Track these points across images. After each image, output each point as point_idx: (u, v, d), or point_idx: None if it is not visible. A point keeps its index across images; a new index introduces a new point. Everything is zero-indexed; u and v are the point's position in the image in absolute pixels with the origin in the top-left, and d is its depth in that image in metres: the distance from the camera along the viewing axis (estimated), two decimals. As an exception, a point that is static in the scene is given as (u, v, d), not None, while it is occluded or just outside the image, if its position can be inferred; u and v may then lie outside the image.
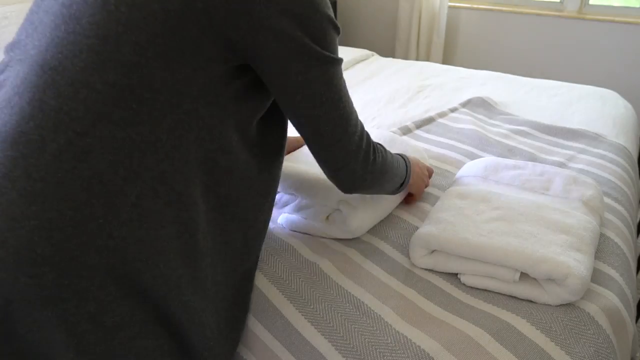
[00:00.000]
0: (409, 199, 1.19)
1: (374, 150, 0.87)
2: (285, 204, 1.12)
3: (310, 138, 0.80)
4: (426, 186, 1.19)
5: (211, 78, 0.71)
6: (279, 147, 0.88)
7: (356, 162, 0.83)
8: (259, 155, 0.84)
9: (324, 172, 0.86)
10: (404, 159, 1.03)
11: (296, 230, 1.11)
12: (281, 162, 0.91)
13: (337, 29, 0.76)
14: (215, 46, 0.69)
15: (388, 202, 1.14)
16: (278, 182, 0.91)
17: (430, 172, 1.21)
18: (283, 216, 1.13)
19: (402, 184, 1.01)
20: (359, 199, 1.05)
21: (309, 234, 1.10)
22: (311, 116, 0.77)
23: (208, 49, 0.69)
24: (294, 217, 1.11)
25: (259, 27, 0.69)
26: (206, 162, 0.75)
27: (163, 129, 0.69)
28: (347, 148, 0.80)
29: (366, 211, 1.06)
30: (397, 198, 1.16)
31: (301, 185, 1.08)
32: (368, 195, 1.07)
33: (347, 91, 0.80)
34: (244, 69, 0.75)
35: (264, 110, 0.82)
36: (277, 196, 1.12)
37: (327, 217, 1.08)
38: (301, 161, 1.19)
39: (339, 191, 1.03)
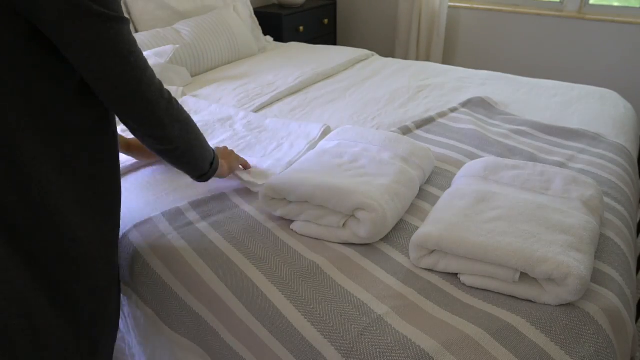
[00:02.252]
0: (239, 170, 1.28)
1: (176, 101, 0.92)
2: (300, 213, 1.11)
3: (108, 94, 0.83)
4: (242, 163, 1.29)
5: (12, 41, 0.76)
6: (102, 107, 0.91)
7: (159, 110, 0.87)
8: (86, 115, 0.88)
9: (134, 132, 0.90)
10: (212, 149, 1.10)
11: (310, 237, 1.11)
12: (113, 131, 0.95)
13: None
14: (5, 14, 0.74)
15: (403, 208, 1.14)
16: (116, 152, 0.96)
17: (242, 160, 1.29)
18: (297, 224, 1.13)
19: (212, 161, 1.08)
20: (374, 206, 1.05)
21: (323, 240, 1.10)
22: (103, 71, 0.80)
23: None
24: (309, 224, 1.11)
25: None
26: (37, 123, 0.81)
27: None
28: (147, 97, 0.85)
29: (383, 217, 1.05)
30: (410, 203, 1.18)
31: (314, 194, 1.07)
32: (384, 202, 1.07)
33: (138, 48, 0.84)
34: (39, 34, 0.78)
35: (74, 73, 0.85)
36: (290, 206, 1.13)
37: (344, 224, 1.08)
38: (312, 171, 1.19)
39: (353, 198, 1.04)
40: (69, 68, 0.83)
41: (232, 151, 1.25)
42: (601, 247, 1.07)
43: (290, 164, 1.35)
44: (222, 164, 1.16)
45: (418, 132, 1.63)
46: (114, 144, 0.95)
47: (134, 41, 0.84)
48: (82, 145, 0.88)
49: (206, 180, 1.11)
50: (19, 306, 0.84)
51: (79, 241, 0.90)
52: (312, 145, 1.46)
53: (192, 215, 1.18)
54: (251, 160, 1.37)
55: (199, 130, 1.01)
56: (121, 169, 1.37)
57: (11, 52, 0.77)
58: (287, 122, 1.59)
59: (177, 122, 0.92)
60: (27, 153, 0.81)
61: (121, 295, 1.18)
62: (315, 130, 1.52)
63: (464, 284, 0.97)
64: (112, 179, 0.95)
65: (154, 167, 1.35)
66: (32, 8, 0.74)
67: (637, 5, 2.79)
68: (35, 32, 0.78)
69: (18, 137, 0.80)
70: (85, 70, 0.81)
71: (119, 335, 1.27)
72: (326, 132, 1.53)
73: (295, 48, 2.63)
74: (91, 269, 0.93)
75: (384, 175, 1.16)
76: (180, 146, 0.95)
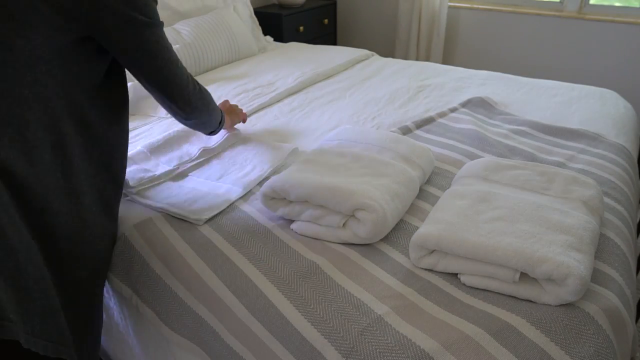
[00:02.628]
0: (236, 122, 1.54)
1: (198, 84, 1.17)
2: (300, 213, 1.11)
3: (158, 84, 1.06)
4: (242, 118, 1.56)
5: (60, 46, 0.92)
6: (122, 102, 1.11)
7: (188, 92, 1.12)
8: (106, 110, 1.06)
9: (168, 110, 1.14)
10: (219, 108, 1.34)
11: (310, 237, 1.11)
12: (127, 117, 1.14)
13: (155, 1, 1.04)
14: (63, 20, 0.91)
15: (403, 208, 1.14)
16: (127, 136, 1.15)
17: (242, 115, 1.57)
18: (297, 223, 1.13)
19: (221, 120, 1.32)
20: (375, 206, 1.05)
21: (323, 240, 1.10)
22: (153, 66, 1.03)
23: (56, 22, 0.90)
24: (309, 224, 1.11)
25: (97, 6, 0.92)
26: (70, 112, 0.98)
27: (24, 85, 0.91)
28: (181, 83, 1.09)
29: (383, 217, 1.05)
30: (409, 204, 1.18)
31: (314, 194, 1.07)
32: (384, 202, 1.07)
33: (170, 44, 1.07)
34: (87, 39, 0.96)
35: (103, 71, 1.04)
36: (290, 206, 1.13)
37: (344, 224, 1.08)
38: (313, 171, 1.19)
39: (353, 198, 1.04)
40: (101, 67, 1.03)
41: (234, 106, 1.54)
42: (601, 247, 1.07)
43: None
44: (227, 120, 1.45)
45: (418, 132, 1.63)
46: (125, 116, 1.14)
47: (167, 40, 1.05)
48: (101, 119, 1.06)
49: (215, 134, 1.35)
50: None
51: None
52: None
53: (192, 215, 1.18)
54: (206, 183, 1.31)
55: (213, 102, 1.25)
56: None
57: (61, 49, 0.93)
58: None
59: (200, 100, 1.16)
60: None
61: (121, 295, 1.18)
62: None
63: (464, 284, 0.97)
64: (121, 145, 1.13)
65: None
66: (93, 17, 0.92)
67: (637, 5, 2.79)
68: (84, 38, 0.95)
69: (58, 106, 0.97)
70: (134, 67, 1.02)
71: (119, 335, 1.27)
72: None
73: (295, 48, 2.63)
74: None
75: (384, 176, 1.16)
76: (203, 116, 1.20)
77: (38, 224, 0.95)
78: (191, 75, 1.15)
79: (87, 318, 1.06)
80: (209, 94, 1.22)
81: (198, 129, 1.26)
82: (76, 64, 0.97)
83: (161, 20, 1.03)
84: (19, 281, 0.90)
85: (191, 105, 1.14)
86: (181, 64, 1.11)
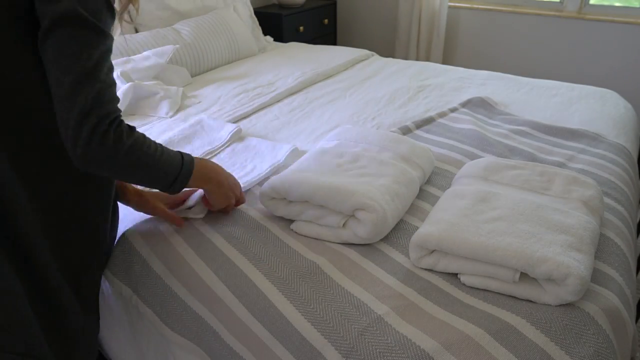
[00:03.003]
0: (209, 207, 1.14)
1: (117, 127, 0.83)
2: (300, 213, 1.11)
3: (55, 91, 0.80)
4: (230, 207, 1.15)
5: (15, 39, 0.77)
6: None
7: (86, 130, 0.79)
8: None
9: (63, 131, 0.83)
10: (186, 160, 0.98)
11: (310, 237, 1.11)
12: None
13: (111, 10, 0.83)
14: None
15: (403, 208, 1.14)
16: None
17: (238, 198, 1.15)
18: (297, 223, 1.13)
19: (174, 181, 0.96)
20: (375, 206, 1.05)
21: (323, 240, 1.10)
22: (57, 70, 0.78)
23: None
24: (309, 224, 1.11)
25: None
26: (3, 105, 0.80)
27: None
28: (82, 110, 0.79)
29: (384, 217, 1.05)
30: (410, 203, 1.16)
31: (314, 193, 1.07)
32: (384, 202, 1.07)
33: (108, 64, 0.82)
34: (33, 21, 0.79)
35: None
36: (290, 206, 1.12)
37: (344, 224, 1.08)
38: (312, 171, 1.19)
39: (353, 198, 1.04)
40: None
41: (228, 185, 1.10)
42: (601, 247, 1.07)
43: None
44: (208, 174, 1.04)
45: (418, 132, 1.63)
46: None
47: (106, 58, 0.82)
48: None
49: (174, 192, 0.99)
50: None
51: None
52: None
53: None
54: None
55: (149, 159, 0.89)
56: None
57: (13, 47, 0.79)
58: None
59: (113, 155, 0.83)
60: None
61: (121, 295, 1.18)
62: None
63: (464, 284, 0.97)
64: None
65: None
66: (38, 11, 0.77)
67: (637, 5, 2.79)
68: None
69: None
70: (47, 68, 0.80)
71: (119, 335, 1.27)
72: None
73: (295, 48, 2.63)
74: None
75: (384, 176, 1.16)
76: (106, 172, 0.87)
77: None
78: (120, 120, 0.84)
79: (77, 327, 1.01)
80: (153, 146, 0.90)
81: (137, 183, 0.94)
82: (17, 50, 0.80)
83: (111, 36, 0.83)
84: None
85: (82, 150, 0.80)
86: (110, 95, 0.82)
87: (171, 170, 0.95)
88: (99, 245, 1.03)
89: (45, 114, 0.85)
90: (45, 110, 0.85)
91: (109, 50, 0.83)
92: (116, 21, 0.89)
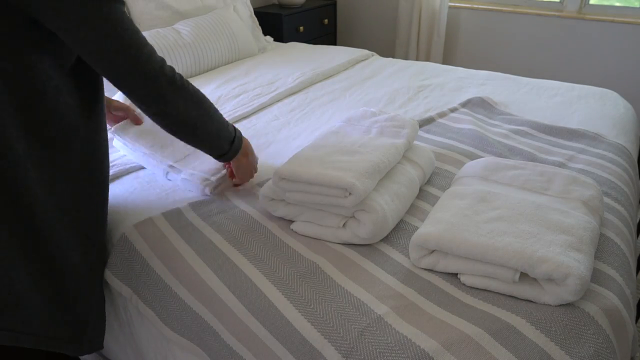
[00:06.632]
0: (234, 181, 1.23)
1: (181, 78, 0.92)
2: (300, 213, 1.11)
3: (109, 72, 0.85)
4: (251, 177, 1.24)
5: (2, 33, 0.78)
6: (95, 91, 0.94)
7: (160, 86, 0.87)
8: (78, 99, 0.90)
9: (142, 109, 0.92)
10: (235, 128, 1.09)
11: (310, 236, 1.11)
12: (102, 109, 0.96)
13: None
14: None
15: (403, 208, 1.14)
16: (106, 132, 0.99)
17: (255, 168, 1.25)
18: (297, 224, 1.13)
19: (232, 141, 1.06)
20: (375, 206, 1.04)
21: (323, 240, 1.10)
22: (100, 50, 0.82)
23: None
24: (309, 224, 1.11)
25: None
26: (22, 107, 0.83)
27: None
28: (147, 74, 0.86)
29: (384, 217, 1.05)
30: (410, 203, 1.16)
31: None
32: (384, 202, 1.06)
33: (134, 26, 0.85)
34: (34, 22, 0.80)
35: (70, 56, 0.88)
36: (290, 206, 1.12)
37: (344, 224, 1.08)
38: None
39: (353, 198, 1.03)
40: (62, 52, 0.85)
41: (253, 159, 1.21)
42: (601, 247, 1.07)
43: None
44: (247, 148, 1.13)
45: (418, 132, 1.62)
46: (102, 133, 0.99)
47: (128, 20, 0.85)
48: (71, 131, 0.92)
49: (227, 160, 1.09)
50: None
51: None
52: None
53: (191, 216, 1.18)
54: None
55: (212, 107, 0.99)
56: (121, 170, 1.37)
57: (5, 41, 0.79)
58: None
59: (181, 99, 0.92)
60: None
61: (121, 295, 1.18)
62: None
63: (464, 284, 0.97)
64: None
65: (154, 168, 1.35)
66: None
67: (637, 5, 2.79)
68: (30, 23, 0.79)
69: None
70: (84, 52, 0.82)
71: (119, 335, 1.27)
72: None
73: (295, 48, 2.63)
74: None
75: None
76: (188, 122, 0.95)
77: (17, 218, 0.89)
78: (170, 66, 0.93)
79: (86, 306, 1.03)
80: (204, 98, 1.00)
81: (196, 145, 1.02)
82: (29, 55, 0.83)
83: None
84: None
85: (166, 102, 0.90)
86: (150, 48, 0.89)
87: (226, 135, 1.05)
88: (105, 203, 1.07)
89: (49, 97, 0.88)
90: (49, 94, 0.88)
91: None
92: None
